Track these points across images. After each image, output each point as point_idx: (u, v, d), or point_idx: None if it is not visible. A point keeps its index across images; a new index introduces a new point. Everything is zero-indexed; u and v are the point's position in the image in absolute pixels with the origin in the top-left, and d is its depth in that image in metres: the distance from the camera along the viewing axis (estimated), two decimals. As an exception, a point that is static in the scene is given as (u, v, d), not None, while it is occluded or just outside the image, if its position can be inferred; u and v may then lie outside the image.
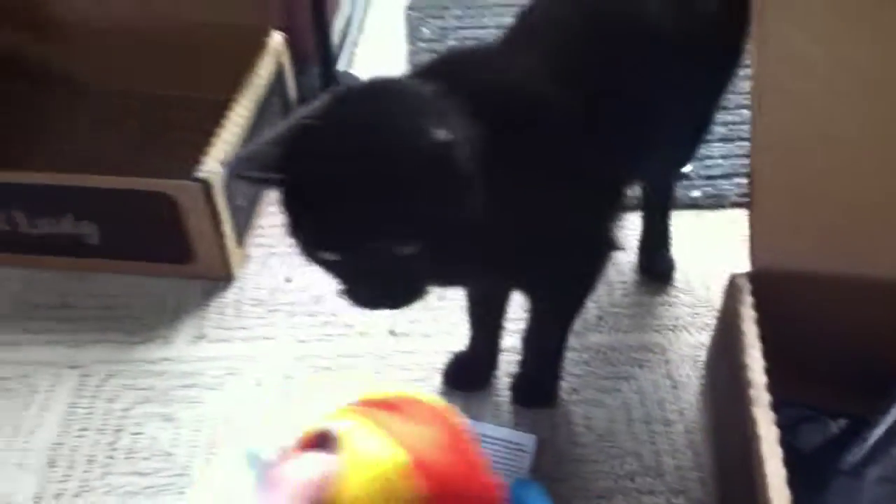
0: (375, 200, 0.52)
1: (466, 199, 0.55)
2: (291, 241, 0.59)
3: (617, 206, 0.74)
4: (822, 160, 0.79)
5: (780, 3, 0.79)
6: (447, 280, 0.67)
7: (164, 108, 1.17)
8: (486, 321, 0.82)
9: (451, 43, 1.35)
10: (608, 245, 0.72)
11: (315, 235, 0.57)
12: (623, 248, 0.78)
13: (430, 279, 0.59)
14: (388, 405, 0.32)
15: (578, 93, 0.64)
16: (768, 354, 0.71)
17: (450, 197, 0.54)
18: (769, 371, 0.69)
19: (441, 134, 0.52)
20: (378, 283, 0.56)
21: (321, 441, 0.32)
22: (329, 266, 0.58)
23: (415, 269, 0.56)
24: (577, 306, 0.76)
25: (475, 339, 0.83)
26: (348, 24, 1.36)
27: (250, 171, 0.57)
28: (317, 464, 0.30)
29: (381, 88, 0.58)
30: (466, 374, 0.84)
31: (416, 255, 0.54)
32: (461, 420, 0.32)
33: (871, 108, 0.79)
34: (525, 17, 0.72)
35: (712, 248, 0.98)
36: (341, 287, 0.58)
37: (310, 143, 0.55)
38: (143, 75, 1.16)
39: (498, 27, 1.17)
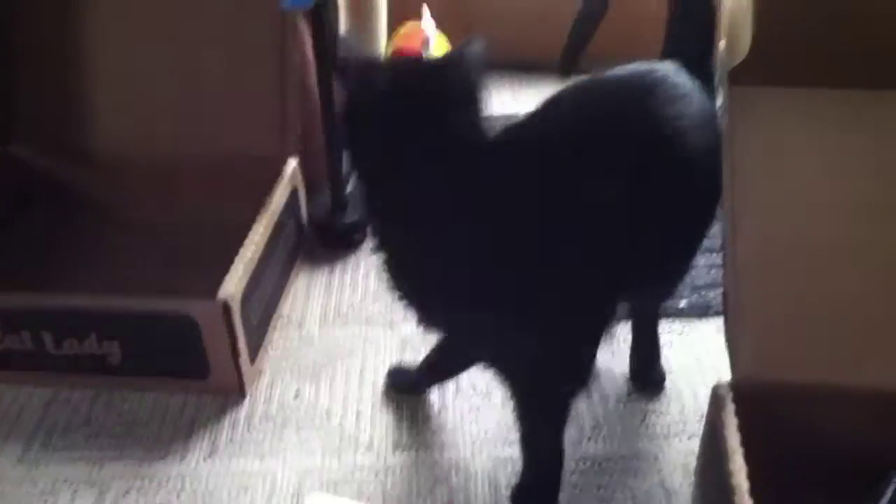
0: None
1: None
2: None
3: (597, 332, 0.79)
4: (800, 272, 0.85)
5: (750, 124, 0.88)
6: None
7: (189, 232, 1.24)
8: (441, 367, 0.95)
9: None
10: (582, 370, 0.78)
11: None
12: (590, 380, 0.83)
13: None
14: None
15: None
16: (755, 460, 0.75)
17: None
18: (756, 477, 0.73)
19: None
20: None
21: None
22: None
23: None
24: (545, 410, 0.81)
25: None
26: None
27: None
28: None
29: None
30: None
31: None
32: None
33: (845, 219, 0.86)
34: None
35: (700, 356, 1.03)
36: None
37: None
38: (172, 203, 1.25)
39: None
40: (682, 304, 1.12)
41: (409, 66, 0.76)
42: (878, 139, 0.86)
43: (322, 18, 1.09)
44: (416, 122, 0.68)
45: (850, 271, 0.83)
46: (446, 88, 0.68)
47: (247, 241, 1.02)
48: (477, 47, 0.70)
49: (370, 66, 0.71)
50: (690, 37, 0.84)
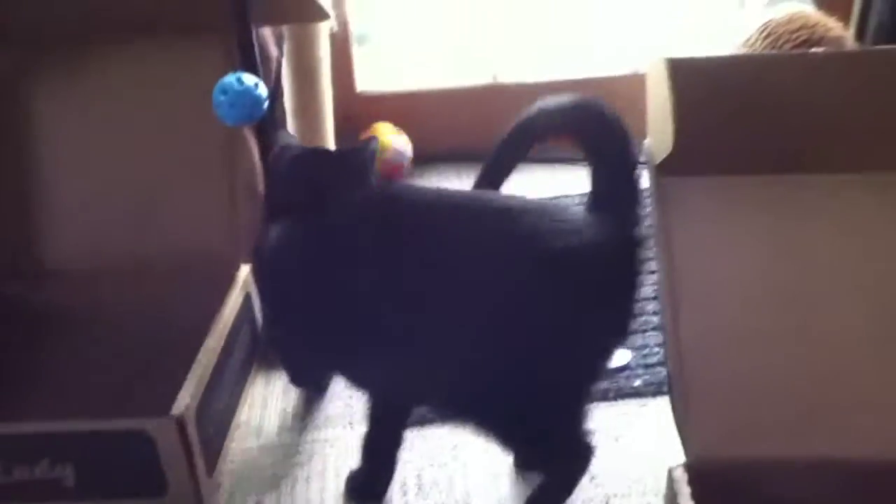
0: None
1: None
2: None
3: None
4: (741, 352, 0.89)
5: (681, 212, 0.92)
6: None
7: (144, 341, 1.22)
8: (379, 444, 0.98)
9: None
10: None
11: None
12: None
13: None
14: None
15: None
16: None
17: None
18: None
19: None
20: None
21: None
22: None
23: None
24: None
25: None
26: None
27: None
28: None
29: None
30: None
31: None
32: None
33: (777, 301, 0.90)
34: None
35: (658, 434, 1.04)
36: None
37: None
38: (124, 313, 1.24)
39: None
40: (637, 382, 1.14)
41: (311, 151, 0.95)
42: (800, 222, 0.91)
43: (267, 129, 1.13)
44: (306, 195, 0.87)
45: (787, 351, 0.87)
46: (336, 170, 0.88)
47: (200, 353, 1.02)
48: (372, 144, 0.91)
49: (284, 149, 0.93)
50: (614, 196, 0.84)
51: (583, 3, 1.96)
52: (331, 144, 1.55)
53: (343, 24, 1.61)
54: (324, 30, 1.42)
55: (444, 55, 1.95)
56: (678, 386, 0.87)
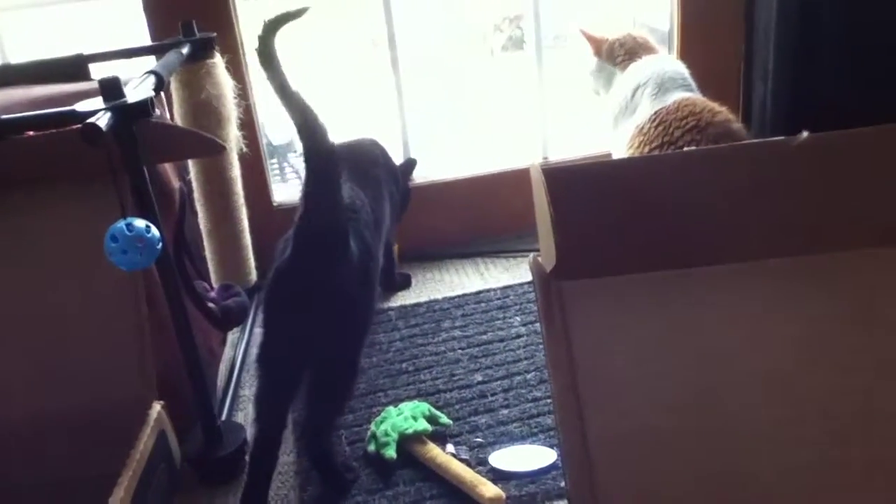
0: None
1: None
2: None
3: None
4: (652, 451, 0.88)
5: (579, 314, 0.93)
6: None
7: (57, 492, 1.17)
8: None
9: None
10: None
11: None
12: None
13: None
14: None
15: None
16: None
17: None
18: None
19: None
20: None
21: None
22: None
23: None
24: None
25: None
26: (230, 374, 1.46)
27: None
28: None
29: None
30: None
31: None
32: None
33: (678, 403, 0.90)
34: None
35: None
36: None
37: None
38: (34, 462, 1.19)
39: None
40: (564, 482, 1.13)
41: None
42: (693, 315, 0.93)
43: (168, 266, 1.12)
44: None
45: (693, 449, 0.87)
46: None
47: (111, 501, 0.98)
48: None
49: None
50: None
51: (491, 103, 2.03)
52: (249, 260, 1.55)
53: (254, 143, 1.64)
54: (233, 151, 1.44)
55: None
56: (584, 491, 0.86)
